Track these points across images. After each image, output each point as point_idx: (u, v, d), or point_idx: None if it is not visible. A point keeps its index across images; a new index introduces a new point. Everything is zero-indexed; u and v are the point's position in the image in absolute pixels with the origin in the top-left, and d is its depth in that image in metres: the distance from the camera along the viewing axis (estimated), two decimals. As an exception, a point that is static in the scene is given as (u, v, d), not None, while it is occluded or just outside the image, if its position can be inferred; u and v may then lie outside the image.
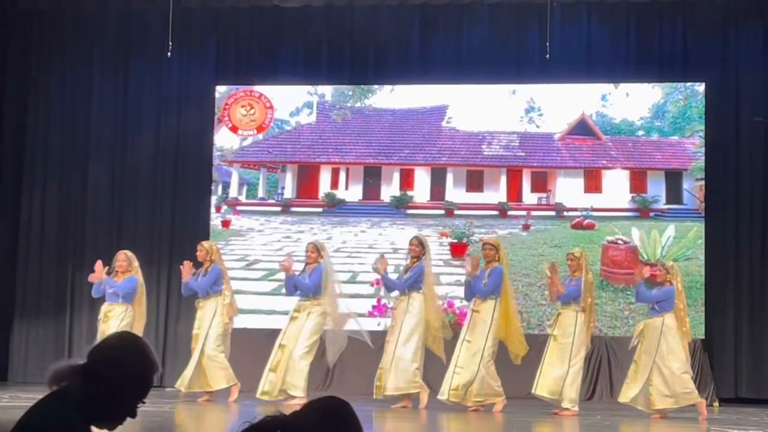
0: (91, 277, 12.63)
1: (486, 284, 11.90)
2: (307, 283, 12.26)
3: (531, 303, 13.89)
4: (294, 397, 11.98)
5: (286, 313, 13.80)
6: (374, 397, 12.06)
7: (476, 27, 14.54)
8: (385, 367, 12.06)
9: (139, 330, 12.40)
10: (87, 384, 3.16)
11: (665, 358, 11.47)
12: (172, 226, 14.76)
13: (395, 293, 12.38)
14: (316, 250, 12.45)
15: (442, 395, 11.82)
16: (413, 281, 12.18)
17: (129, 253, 12.68)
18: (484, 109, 14.62)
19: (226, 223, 14.94)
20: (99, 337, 12.20)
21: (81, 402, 3.14)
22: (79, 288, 14.67)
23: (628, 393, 11.63)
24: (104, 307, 12.56)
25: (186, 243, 14.58)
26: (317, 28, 14.74)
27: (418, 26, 14.63)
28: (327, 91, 15.12)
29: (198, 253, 12.65)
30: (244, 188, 15.12)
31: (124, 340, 3.31)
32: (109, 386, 3.17)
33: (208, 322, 12.47)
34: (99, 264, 12.57)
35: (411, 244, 12.41)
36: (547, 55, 13.53)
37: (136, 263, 12.65)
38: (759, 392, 13.38)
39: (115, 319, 12.44)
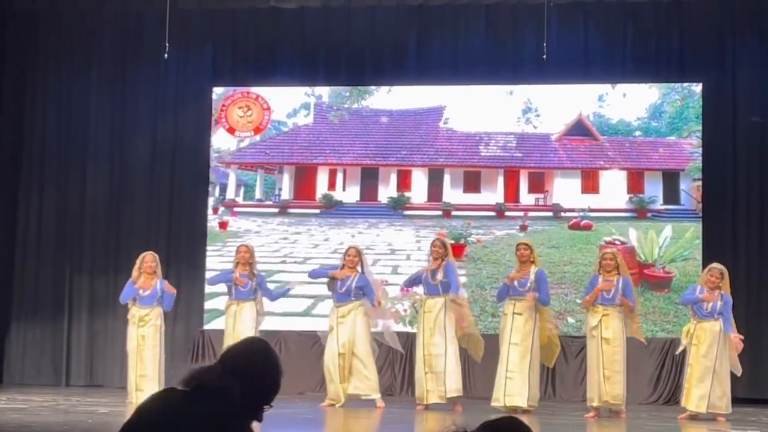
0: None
1: (535, 288, 11.88)
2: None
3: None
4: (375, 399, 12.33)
5: (284, 314, 13.83)
6: (426, 402, 12.05)
7: (473, 28, 14.54)
8: (444, 370, 12.05)
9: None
10: (230, 384, 3.29)
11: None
12: (169, 227, 14.76)
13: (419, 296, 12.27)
14: (358, 254, 12.53)
15: (495, 401, 11.79)
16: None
17: (156, 255, 12.78)
18: (481, 109, 14.62)
19: (223, 225, 14.95)
20: (132, 340, 12.46)
21: (226, 399, 3.27)
22: (77, 290, 14.71)
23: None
24: (137, 311, 12.54)
25: (183, 244, 14.64)
26: (314, 30, 14.74)
27: (415, 27, 14.63)
28: (324, 92, 15.12)
29: (244, 255, 12.67)
30: (242, 190, 15.12)
31: (262, 345, 3.52)
32: (250, 388, 3.33)
33: (250, 325, 12.55)
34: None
35: (434, 245, 12.34)
36: (544, 56, 13.49)
37: (159, 266, 12.79)
38: (757, 392, 13.37)
39: (153, 323, 12.53)
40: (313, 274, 12.94)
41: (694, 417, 11.50)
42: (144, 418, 3.22)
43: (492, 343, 12.57)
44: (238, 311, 12.61)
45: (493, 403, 11.88)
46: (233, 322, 12.58)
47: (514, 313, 11.90)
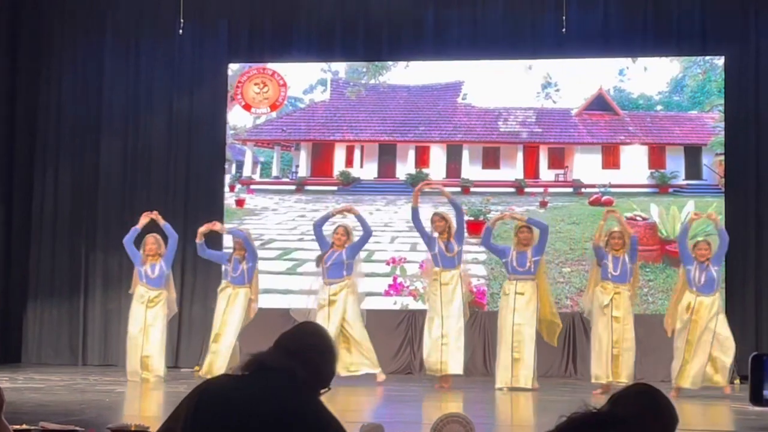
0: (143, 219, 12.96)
1: (535, 264, 12.24)
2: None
3: (549, 281, 13.87)
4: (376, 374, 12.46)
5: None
6: (441, 374, 12.26)
7: (491, 2, 14.57)
8: (453, 343, 12.27)
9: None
10: (294, 365, 3.39)
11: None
12: (185, 205, 14.89)
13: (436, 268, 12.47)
14: (346, 233, 12.71)
15: (504, 383, 12.02)
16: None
17: (159, 237, 12.96)
18: (500, 85, 14.66)
19: (240, 203, 15.07)
20: (139, 321, 12.72)
21: (291, 379, 3.38)
22: (92, 268, 14.91)
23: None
24: (146, 292, 12.80)
25: (200, 223, 14.63)
26: (331, 4, 14.80)
27: (432, 1, 14.66)
28: (341, 68, 15.18)
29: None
30: (258, 167, 15.22)
31: (317, 328, 3.68)
32: (309, 370, 3.41)
33: (240, 312, 12.83)
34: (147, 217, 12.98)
35: (433, 221, 12.55)
36: (564, 30, 13.65)
37: (164, 248, 12.96)
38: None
39: (162, 304, 12.83)
40: (318, 226, 12.94)
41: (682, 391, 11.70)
42: (217, 403, 3.26)
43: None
44: (233, 295, 12.83)
45: (500, 386, 12.07)
46: (225, 305, 12.83)
47: (516, 293, 12.16)
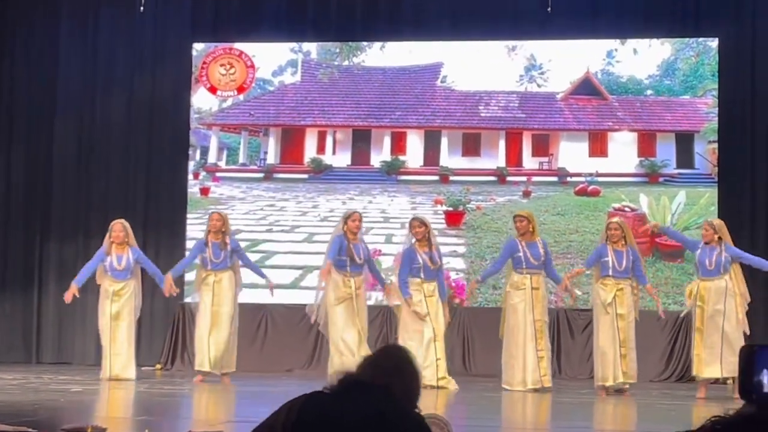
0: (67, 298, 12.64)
1: (544, 261, 12.01)
2: None
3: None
4: None
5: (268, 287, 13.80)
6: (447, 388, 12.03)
7: (472, -22, 14.47)
8: (444, 355, 12.12)
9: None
10: (390, 382, 3.44)
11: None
12: (146, 194, 14.73)
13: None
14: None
15: (533, 384, 11.74)
16: None
17: (126, 224, 12.67)
18: (482, 67, 14.58)
19: (204, 191, 14.94)
20: (106, 316, 12.48)
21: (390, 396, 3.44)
22: (47, 260, 14.75)
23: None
24: (110, 285, 12.52)
25: (161, 212, 14.66)
26: (302, -20, 14.66)
27: (410, -23, 14.55)
28: (312, 48, 15.09)
29: (216, 223, 12.53)
30: (224, 153, 15.10)
31: (404, 349, 4.01)
32: (401, 389, 3.51)
33: (231, 297, 12.53)
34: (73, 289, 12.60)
35: (412, 226, 12.19)
36: (549, 9, 13.65)
37: (132, 234, 12.70)
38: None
39: (127, 297, 12.54)
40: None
41: (710, 384, 11.51)
42: (321, 421, 3.10)
43: (491, 317, 12.57)
44: (217, 282, 12.51)
45: (519, 387, 11.78)
46: (211, 295, 12.49)
47: (532, 288, 11.88)
